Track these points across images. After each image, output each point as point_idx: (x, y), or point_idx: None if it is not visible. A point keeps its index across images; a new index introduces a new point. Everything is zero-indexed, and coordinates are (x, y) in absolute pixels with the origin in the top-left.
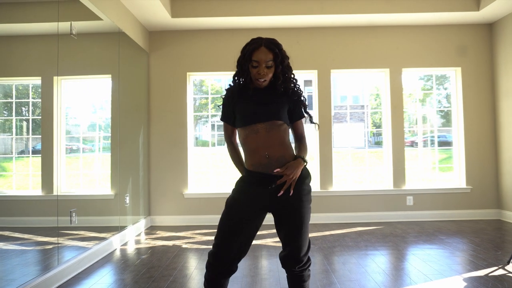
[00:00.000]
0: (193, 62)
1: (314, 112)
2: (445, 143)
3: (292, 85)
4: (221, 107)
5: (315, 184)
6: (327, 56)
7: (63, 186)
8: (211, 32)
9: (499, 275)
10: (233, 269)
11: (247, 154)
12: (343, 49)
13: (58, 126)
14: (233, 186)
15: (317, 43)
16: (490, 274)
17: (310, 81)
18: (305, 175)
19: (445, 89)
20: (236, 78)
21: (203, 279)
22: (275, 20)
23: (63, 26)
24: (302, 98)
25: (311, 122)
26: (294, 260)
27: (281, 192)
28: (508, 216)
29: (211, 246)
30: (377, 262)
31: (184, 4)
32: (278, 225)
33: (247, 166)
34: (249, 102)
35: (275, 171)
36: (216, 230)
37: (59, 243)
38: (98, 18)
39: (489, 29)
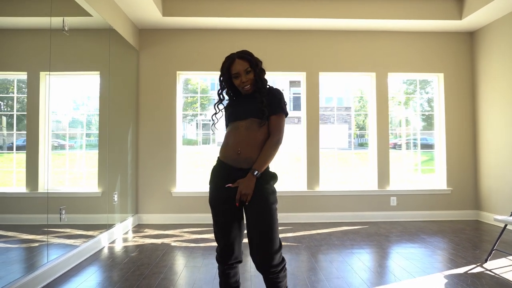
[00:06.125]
0: (183, 61)
1: (302, 112)
2: (426, 146)
3: (261, 84)
4: (217, 110)
5: (302, 184)
6: (316, 59)
7: (49, 183)
8: (201, 32)
9: (477, 273)
10: (239, 258)
11: (223, 146)
12: (331, 52)
13: (44, 122)
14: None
15: (306, 45)
16: (469, 272)
17: (298, 82)
18: (269, 178)
19: (427, 93)
20: (220, 93)
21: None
22: (265, 22)
23: (56, 21)
24: (277, 95)
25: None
26: (267, 265)
27: (237, 204)
28: (485, 216)
29: (200, 244)
30: (363, 260)
31: (175, 3)
32: (246, 226)
33: (220, 156)
34: (235, 105)
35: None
36: (207, 228)
37: (47, 241)
38: (88, 14)
39: (470, 37)
